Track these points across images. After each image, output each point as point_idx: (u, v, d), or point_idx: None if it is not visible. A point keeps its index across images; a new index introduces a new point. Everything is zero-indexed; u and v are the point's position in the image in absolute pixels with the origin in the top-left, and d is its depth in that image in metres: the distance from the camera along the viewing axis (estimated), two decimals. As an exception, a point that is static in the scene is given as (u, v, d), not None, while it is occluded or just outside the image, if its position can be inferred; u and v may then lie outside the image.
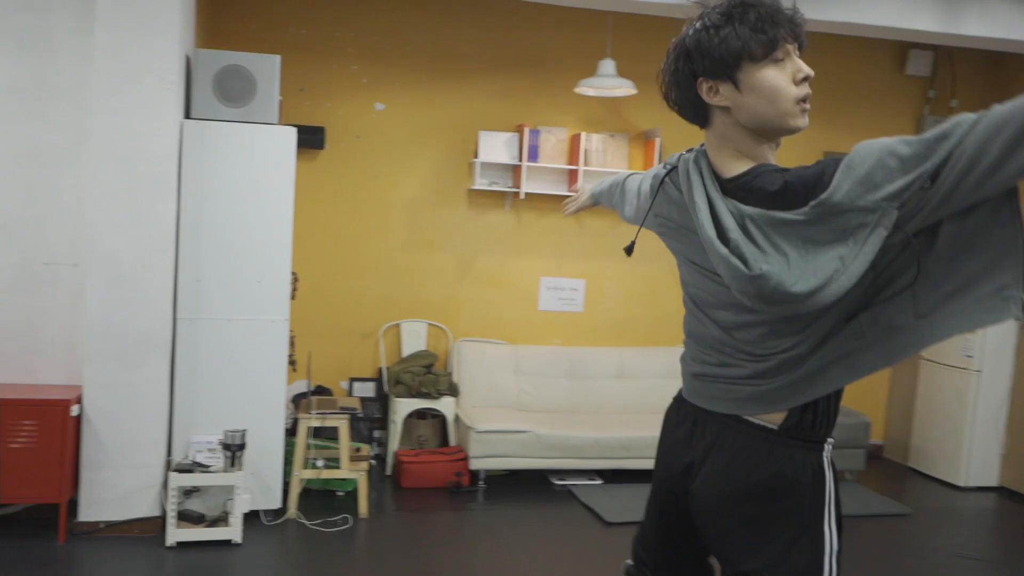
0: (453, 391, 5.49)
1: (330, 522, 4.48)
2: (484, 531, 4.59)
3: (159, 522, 4.23)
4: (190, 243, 4.28)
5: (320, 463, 4.58)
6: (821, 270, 1.41)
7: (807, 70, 1.56)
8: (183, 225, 4.26)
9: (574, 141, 5.81)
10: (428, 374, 5.50)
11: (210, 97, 4.31)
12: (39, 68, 4.29)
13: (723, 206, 1.53)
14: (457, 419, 5.43)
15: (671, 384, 5.86)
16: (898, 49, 6.32)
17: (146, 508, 4.22)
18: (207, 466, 4.18)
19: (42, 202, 4.34)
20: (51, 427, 4.02)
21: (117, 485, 4.18)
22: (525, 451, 5.19)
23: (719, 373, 1.69)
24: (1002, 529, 5.14)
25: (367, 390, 5.69)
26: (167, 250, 4.18)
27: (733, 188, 1.57)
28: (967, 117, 1.35)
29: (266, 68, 4.36)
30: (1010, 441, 5.70)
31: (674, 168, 1.71)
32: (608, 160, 5.87)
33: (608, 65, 5.38)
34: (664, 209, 1.76)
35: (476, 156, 5.69)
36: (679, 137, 5.98)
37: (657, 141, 5.78)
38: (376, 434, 5.60)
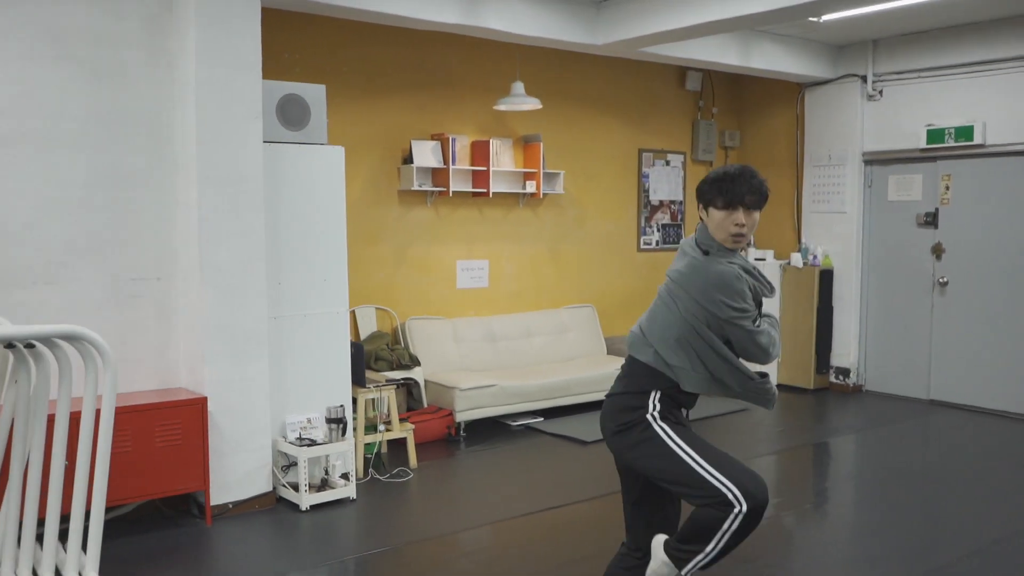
0: (415, 361, 6.49)
1: (394, 475, 5.39)
2: (500, 465, 5.79)
3: (272, 496, 4.86)
4: (272, 251, 4.89)
5: (382, 427, 5.43)
6: None
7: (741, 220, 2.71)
8: (266, 235, 4.85)
9: (474, 146, 7.04)
10: (392, 350, 6.44)
11: (275, 122, 4.92)
12: (115, 97, 4.57)
13: None
14: (426, 383, 6.46)
15: (564, 339, 7.46)
16: (680, 71, 8.40)
17: (260, 485, 4.82)
18: (313, 440, 4.88)
19: (125, 222, 4.64)
20: (192, 424, 4.48)
21: (236, 469, 4.72)
22: (494, 401, 6.41)
23: None
24: (784, 410, 7.51)
25: (335, 371, 6.44)
26: (261, 258, 4.77)
27: None
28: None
29: (316, 95, 5.08)
30: (783, 350, 8.15)
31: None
32: (502, 161, 7.19)
33: (519, 86, 6.71)
34: None
35: (412, 161, 6.67)
36: (557, 143, 7.50)
37: (540, 145, 7.22)
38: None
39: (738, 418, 7.03)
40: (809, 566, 4.14)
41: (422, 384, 6.46)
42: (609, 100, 7.98)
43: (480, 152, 6.99)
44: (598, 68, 7.75)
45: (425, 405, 6.47)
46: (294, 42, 6.18)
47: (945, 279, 7.43)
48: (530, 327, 7.33)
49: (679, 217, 8.57)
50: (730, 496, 2.64)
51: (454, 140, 6.82)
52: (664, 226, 8.45)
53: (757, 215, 2.76)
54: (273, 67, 6.02)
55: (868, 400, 7.80)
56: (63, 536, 3.86)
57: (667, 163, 8.42)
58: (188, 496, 4.74)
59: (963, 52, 7.17)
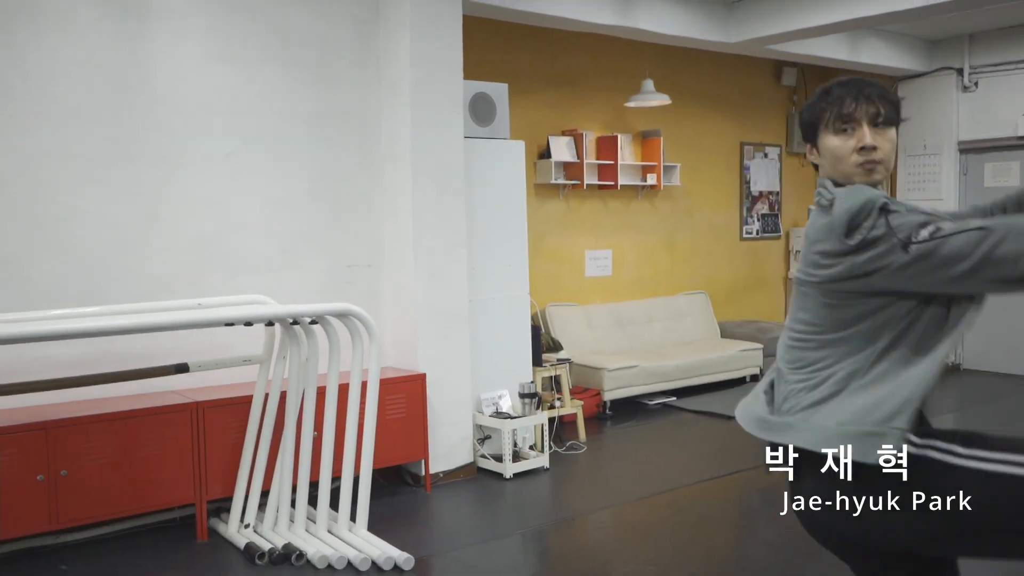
0: (558, 345, 6.85)
1: (569, 448, 5.75)
2: (657, 438, 6.15)
3: (473, 467, 5.21)
4: (467, 238, 5.25)
5: (558, 403, 5.79)
6: None
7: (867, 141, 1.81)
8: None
9: (600, 141, 7.41)
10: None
11: (468, 119, 5.28)
12: (331, 97, 4.94)
13: None
14: (571, 364, 6.82)
15: (682, 324, 7.81)
16: (776, 66, 8.77)
17: (463, 457, 5.17)
18: (509, 414, 5.24)
19: (341, 214, 5.01)
20: (414, 398, 4.84)
21: (444, 440, 5.08)
22: (635, 381, 6.78)
23: None
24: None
25: (484, 355, 6.81)
26: (463, 244, 5.13)
27: None
28: None
29: (500, 93, 5.44)
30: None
31: None
32: (625, 155, 7.56)
33: (649, 84, 7.08)
34: None
35: (549, 156, 7.03)
36: (668, 137, 7.86)
37: (660, 140, 7.58)
38: (498, 390, 6.75)
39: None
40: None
41: (567, 366, 6.81)
42: (712, 95, 8.34)
43: (606, 147, 7.36)
44: (703, 65, 8.10)
45: (571, 385, 6.83)
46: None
47: (1045, 261, 7.79)
48: (651, 313, 7.70)
49: (776, 207, 8.94)
50: None
51: (585, 136, 7.18)
52: (763, 216, 8.82)
53: (893, 133, 1.86)
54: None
55: (966, 378, 8.16)
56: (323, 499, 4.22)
57: (765, 155, 8.79)
58: (399, 467, 5.09)
59: (1061, 44, 7.55)
